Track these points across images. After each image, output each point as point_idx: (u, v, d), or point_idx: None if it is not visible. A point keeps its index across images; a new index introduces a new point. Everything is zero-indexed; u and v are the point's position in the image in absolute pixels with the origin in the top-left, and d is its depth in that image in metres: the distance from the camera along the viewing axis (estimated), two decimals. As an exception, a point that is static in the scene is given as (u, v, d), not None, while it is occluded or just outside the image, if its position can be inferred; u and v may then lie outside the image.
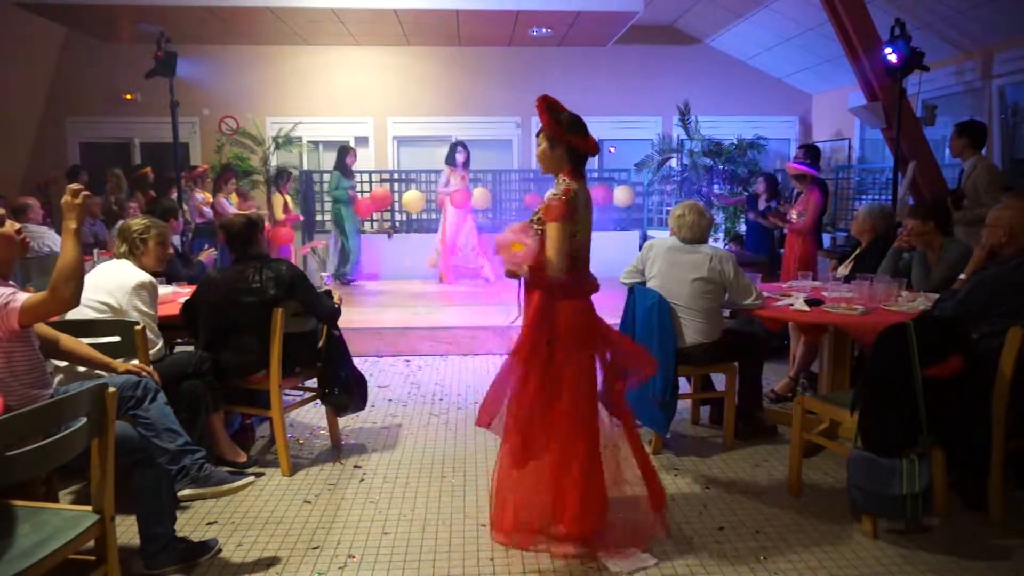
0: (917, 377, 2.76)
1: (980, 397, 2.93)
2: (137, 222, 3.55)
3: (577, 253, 2.75)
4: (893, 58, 6.04)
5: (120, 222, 3.71)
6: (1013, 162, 7.01)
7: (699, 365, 3.88)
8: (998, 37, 6.89)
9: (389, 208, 9.33)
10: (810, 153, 6.42)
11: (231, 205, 8.18)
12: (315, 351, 3.81)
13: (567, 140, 2.73)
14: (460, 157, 8.10)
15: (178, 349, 4.16)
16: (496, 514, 2.87)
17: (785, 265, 6.25)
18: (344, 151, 8.43)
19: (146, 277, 3.38)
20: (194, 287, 3.81)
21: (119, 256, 3.48)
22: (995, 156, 6.98)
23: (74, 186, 2.42)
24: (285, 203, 8.59)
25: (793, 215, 6.09)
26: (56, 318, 3.26)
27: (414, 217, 9.64)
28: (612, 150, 10.81)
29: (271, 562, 2.77)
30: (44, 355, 2.73)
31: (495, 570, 2.71)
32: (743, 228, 8.21)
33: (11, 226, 2.50)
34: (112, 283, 3.32)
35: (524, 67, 10.47)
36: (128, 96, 10.09)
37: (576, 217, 2.70)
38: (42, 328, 2.76)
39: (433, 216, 9.63)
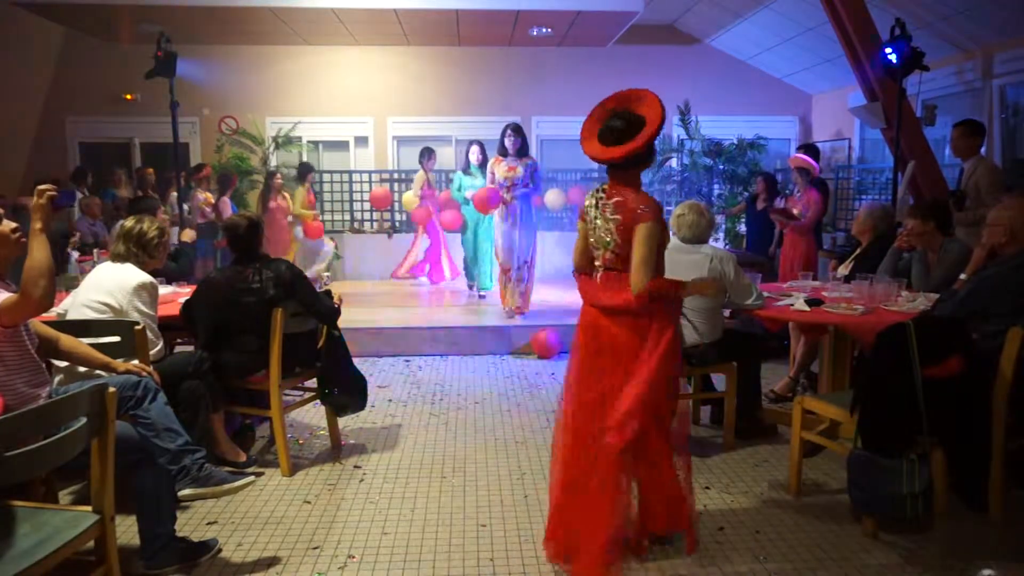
0: (917, 377, 2.76)
1: (980, 397, 2.93)
2: (151, 228, 3.47)
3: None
4: (893, 58, 6.04)
5: (119, 223, 3.66)
6: (1013, 162, 7.01)
7: (699, 365, 3.88)
8: (998, 37, 6.89)
9: (389, 208, 9.31)
10: (810, 153, 6.42)
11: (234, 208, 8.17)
12: (315, 351, 3.81)
13: None
14: (510, 143, 6.36)
15: (178, 349, 4.16)
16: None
17: (784, 265, 6.25)
18: (469, 146, 7.28)
19: (147, 278, 3.37)
20: (194, 287, 3.80)
21: (118, 257, 3.43)
22: (995, 156, 6.98)
23: (42, 187, 2.39)
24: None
25: (795, 212, 6.09)
26: (54, 317, 3.27)
27: (414, 217, 9.64)
28: None
29: (271, 562, 2.77)
30: (44, 355, 2.73)
31: (495, 570, 2.71)
32: (743, 228, 8.21)
33: (7, 225, 2.49)
34: (112, 283, 3.31)
35: (524, 67, 10.47)
36: (128, 96, 10.09)
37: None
38: (42, 328, 2.76)
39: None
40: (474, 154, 7.09)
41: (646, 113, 2.63)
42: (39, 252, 2.34)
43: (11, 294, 2.39)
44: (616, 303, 2.66)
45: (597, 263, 2.77)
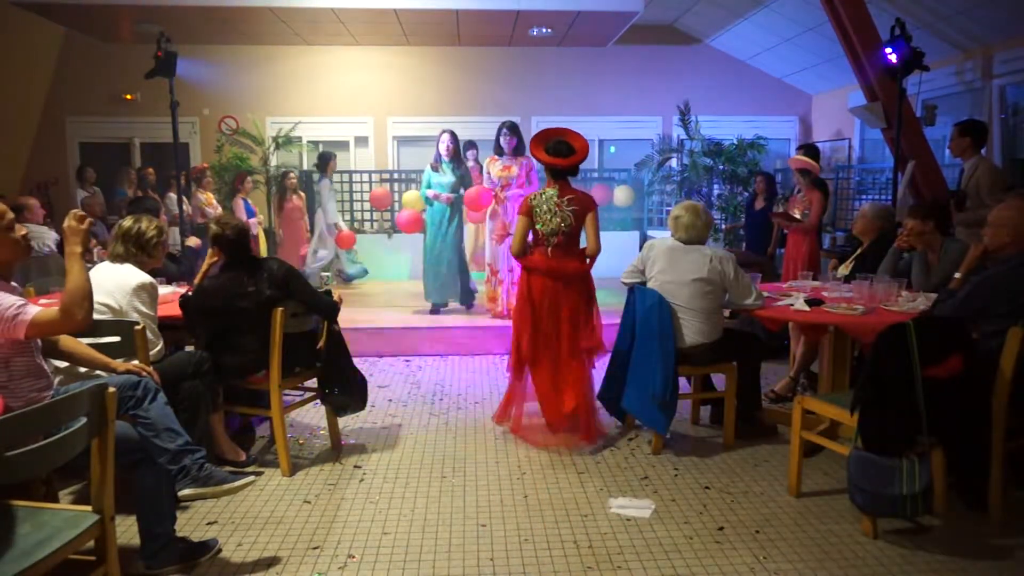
0: (917, 377, 2.76)
1: (980, 397, 2.93)
2: (149, 228, 3.46)
3: (537, 240, 4.02)
4: (893, 58, 6.04)
5: (117, 223, 3.64)
6: (1013, 162, 7.01)
7: (699, 365, 3.88)
8: (998, 37, 6.89)
9: (389, 208, 9.30)
10: (810, 153, 6.41)
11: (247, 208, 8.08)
12: (315, 351, 3.81)
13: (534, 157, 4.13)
14: (504, 142, 6.21)
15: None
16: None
17: (787, 265, 6.24)
18: (439, 136, 6.63)
19: (146, 278, 3.37)
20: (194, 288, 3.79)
21: (118, 258, 3.42)
22: (995, 156, 6.97)
23: (79, 212, 2.48)
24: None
25: (797, 214, 6.08)
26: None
27: (414, 217, 9.62)
28: (612, 150, 10.80)
29: (271, 562, 2.77)
30: (44, 355, 2.73)
31: (495, 570, 2.71)
32: (742, 230, 8.21)
33: (20, 229, 2.54)
34: (112, 284, 3.30)
35: (524, 67, 10.46)
36: (128, 96, 10.08)
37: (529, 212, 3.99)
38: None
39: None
40: (443, 144, 6.49)
41: (577, 144, 4.07)
42: (81, 275, 2.42)
43: (41, 307, 2.41)
44: (573, 268, 3.94)
45: (548, 245, 3.94)
